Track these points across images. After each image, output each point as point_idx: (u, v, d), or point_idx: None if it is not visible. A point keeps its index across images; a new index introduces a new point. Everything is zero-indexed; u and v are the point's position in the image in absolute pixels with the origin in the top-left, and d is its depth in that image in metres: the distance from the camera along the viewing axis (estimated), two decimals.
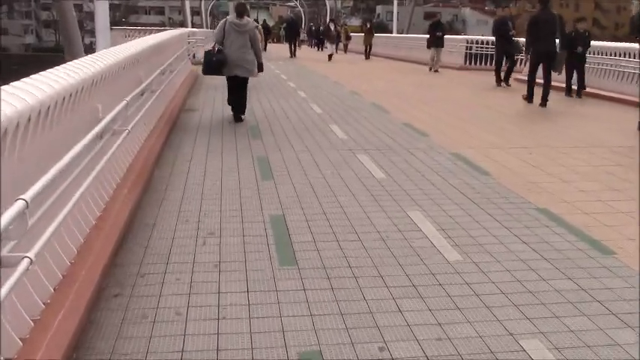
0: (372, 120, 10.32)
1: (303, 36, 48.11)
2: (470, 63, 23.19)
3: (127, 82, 6.44)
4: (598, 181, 6.54)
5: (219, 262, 4.23)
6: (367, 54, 29.43)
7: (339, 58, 27.68)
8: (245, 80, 9.95)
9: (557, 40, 12.36)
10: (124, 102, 5.26)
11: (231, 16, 9.91)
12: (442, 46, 21.21)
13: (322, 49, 37.23)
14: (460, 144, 8.31)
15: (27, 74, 3.69)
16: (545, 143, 8.50)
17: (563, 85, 14.31)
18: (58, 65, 4.22)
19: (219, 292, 3.77)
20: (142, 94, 6.98)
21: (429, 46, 21.29)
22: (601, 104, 13.25)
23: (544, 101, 12.28)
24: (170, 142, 8.22)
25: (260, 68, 9.95)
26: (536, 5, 13.17)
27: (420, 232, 4.90)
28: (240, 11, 9.68)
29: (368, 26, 30.77)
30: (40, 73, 3.81)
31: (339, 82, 16.94)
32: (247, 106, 10.49)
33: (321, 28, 46.34)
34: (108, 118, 4.79)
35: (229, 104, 10.23)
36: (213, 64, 9.58)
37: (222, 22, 10.00)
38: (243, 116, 10.20)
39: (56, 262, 3.46)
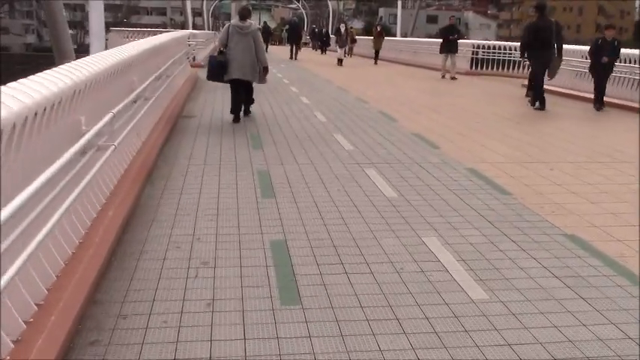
0: (379, 129, 9.80)
1: (306, 38, 47.65)
2: (476, 68, 22.73)
3: (117, 89, 5.94)
4: (626, 202, 6.02)
5: (213, 299, 3.72)
6: (376, 58, 28.68)
7: (344, 61, 27.07)
8: (248, 84, 10.22)
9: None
10: (110, 114, 4.74)
11: (235, 20, 10.29)
12: (456, 52, 20.26)
13: (325, 52, 36.73)
14: (475, 157, 7.80)
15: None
16: (565, 157, 7.99)
17: (591, 96, 13.55)
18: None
19: (211, 340, 3.25)
20: (134, 102, 6.49)
21: (441, 51, 20.42)
22: (622, 115, 12.63)
23: (534, 102, 12.69)
24: (165, 152, 7.71)
25: (265, 71, 10.20)
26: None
27: (439, 262, 4.39)
28: (244, 14, 10.02)
29: (378, 29, 29.54)
30: (9, 84, 3.31)
31: (344, 88, 16.42)
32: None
33: (323, 30, 45.93)
34: (92, 132, 4.29)
35: (232, 113, 10.18)
36: (216, 65, 9.81)
37: (226, 26, 10.37)
38: (251, 108, 10.69)
39: (19, 309, 2.95)
